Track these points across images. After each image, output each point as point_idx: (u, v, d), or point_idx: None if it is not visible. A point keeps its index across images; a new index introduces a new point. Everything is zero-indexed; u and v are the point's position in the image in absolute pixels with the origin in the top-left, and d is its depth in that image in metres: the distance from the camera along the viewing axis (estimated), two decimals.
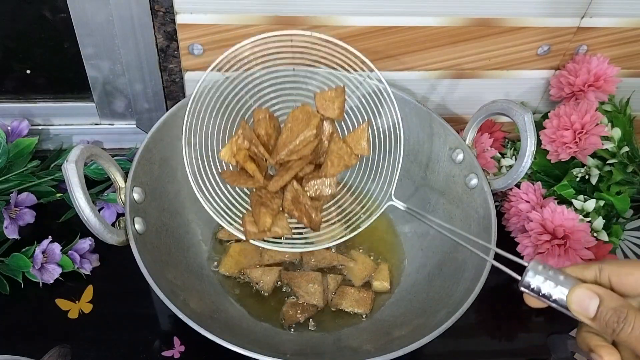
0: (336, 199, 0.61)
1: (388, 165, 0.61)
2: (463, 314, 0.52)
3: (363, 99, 0.62)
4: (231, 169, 0.60)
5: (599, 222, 0.65)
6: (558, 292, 0.42)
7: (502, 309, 0.68)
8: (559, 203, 0.65)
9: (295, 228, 0.58)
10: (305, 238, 0.59)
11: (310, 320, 0.63)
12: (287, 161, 0.59)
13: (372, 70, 0.59)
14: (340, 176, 0.62)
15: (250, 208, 0.58)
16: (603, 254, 0.64)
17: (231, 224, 0.57)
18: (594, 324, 0.41)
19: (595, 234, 0.64)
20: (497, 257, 0.48)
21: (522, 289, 0.44)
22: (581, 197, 0.67)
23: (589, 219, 0.65)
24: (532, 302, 0.45)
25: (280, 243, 0.57)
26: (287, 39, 0.59)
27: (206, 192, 0.57)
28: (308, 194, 0.59)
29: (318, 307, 0.64)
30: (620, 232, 0.67)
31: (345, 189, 0.62)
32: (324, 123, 0.60)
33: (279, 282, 0.66)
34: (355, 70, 0.60)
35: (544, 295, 0.43)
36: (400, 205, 0.57)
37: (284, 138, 0.60)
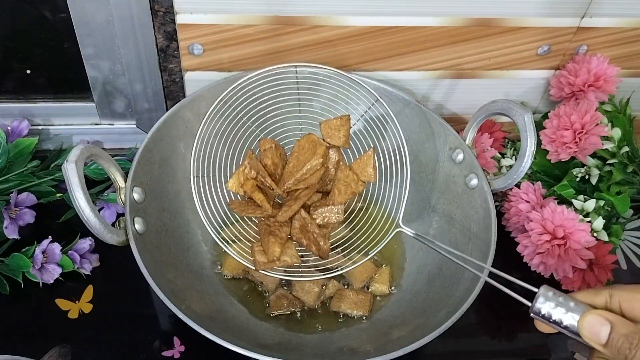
0: (344, 225, 0.61)
1: (395, 191, 0.61)
2: (463, 314, 0.52)
3: (367, 124, 0.63)
4: (239, 198, 0.60)
5: (599, 222, 0.65)
6: (569, 318, 0.42)
7: (502, 309, 0.68)
8: (559, 203, 0.65)
9: (304, 256, 0.58)
10: (314, 266, 0.59)
11: (310, 319, 0.64)
12: (294, 190, 0.60)
13: (377, 100, 0.60)
14: (348, 202, 0.62)
15: (258, 237, 0.58)
16: (603, 254, 0.64)
17: (241, 255, 0.57)
18: (605, 350, 0.41)
19: (595, 234, 0.64)
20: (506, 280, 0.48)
21: (533, 315, 0.44)
22: (581, 197, 0.67)
23: (589, 219, 0.65)
24: (543, 327, 0.45)
25: (290, 272, 0.57)
26: (292, 70, 0.61)
27: (214, 222, 0.57)
28: (316, 221, 0.59)
29: (306, 305, 0.64)
30: (620, 232, 0.67)
31: (353, 215, 0.63)
32: (330, 151, 0.61)
33: (283, 282, 0.66)
34: (359, 99, 0.61)
35: (554, 322, 0.43)
36: (409, 232, 0.56)
37: (290, 167, 0.60)
